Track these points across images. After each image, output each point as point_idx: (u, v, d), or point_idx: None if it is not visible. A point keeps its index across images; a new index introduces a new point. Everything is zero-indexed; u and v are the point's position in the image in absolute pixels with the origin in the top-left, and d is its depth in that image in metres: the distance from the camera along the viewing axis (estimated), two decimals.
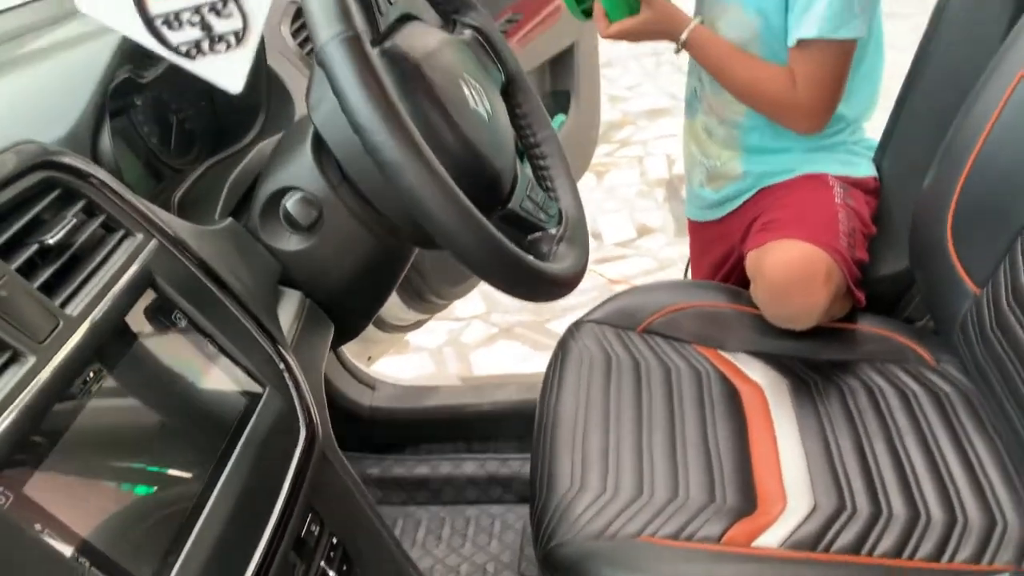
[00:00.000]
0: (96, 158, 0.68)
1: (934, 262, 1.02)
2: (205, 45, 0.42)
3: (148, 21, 0.41)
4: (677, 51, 1.20)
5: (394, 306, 1.36)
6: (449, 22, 0.91)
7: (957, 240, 0.98)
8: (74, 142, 0.66)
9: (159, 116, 0.91)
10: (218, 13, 0.41)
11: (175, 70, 0.88)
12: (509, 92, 0.94)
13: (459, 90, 0.78)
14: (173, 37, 0.41)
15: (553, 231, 0.84)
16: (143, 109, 0.88)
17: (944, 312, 1.04)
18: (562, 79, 1.92)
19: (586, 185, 2.62)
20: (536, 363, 1.94)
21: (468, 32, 0.90)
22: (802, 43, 1.11)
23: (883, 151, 1.20)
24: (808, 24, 1.09)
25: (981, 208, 0.97)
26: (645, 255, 2.58)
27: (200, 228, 0.70)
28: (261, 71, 0.98)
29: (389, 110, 0.61)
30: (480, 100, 0.81)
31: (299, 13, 1.11)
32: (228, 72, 0.42)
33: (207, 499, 0.56)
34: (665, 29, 1.17)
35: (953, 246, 0.98)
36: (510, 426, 1.40)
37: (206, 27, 0.42)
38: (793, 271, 1.07)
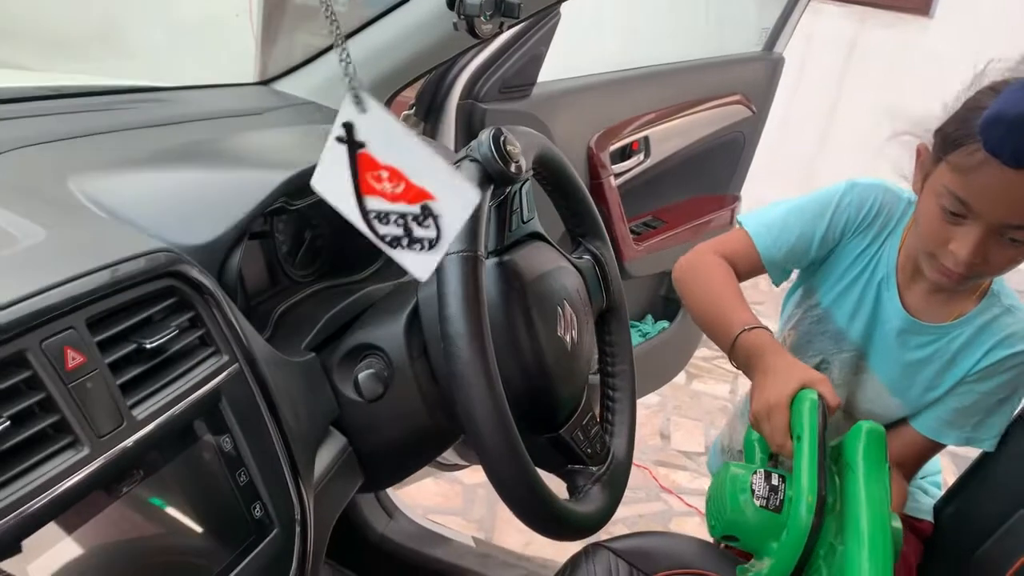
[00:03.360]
0: (222, 270, 0.75)
1: None
2: (404, 242, 0.54)
3: (364, 212, 0.54)
4: None
5: None
6: (575, 242, 0.98)
7: None
8: (209, 252, 0.73)
9: (296, 229, 1.00)
10: (419, 223, 0.53)
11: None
12: (604, 319, 0.99)
13: (553, 315, 0.84)
14: (380, 228, 0.54)
15: (594, 469, 0.86)
16: (284, 219, 0.97)
17: None
18: None
19: (673, 383, 2.61)
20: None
21: (587, 257, 0.96)
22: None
23: (948, 501, 1.17)
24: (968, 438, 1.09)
25: None
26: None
27: (281, 358, 0.76)
28: None
29: (476, 334, 0.67)
30: (569, 328, 0.86)
31: None
32: (416, 264, 0.54)
33: None
34: None
35: None
36: None
37: (407, 230, 0.54)
38: None
